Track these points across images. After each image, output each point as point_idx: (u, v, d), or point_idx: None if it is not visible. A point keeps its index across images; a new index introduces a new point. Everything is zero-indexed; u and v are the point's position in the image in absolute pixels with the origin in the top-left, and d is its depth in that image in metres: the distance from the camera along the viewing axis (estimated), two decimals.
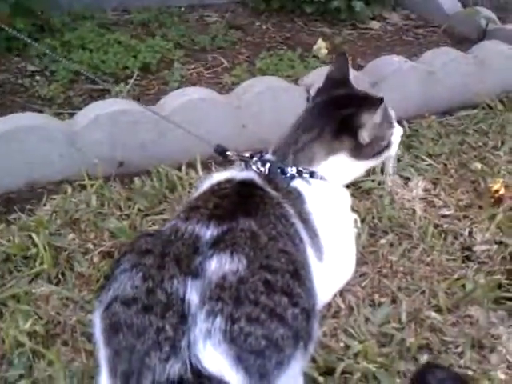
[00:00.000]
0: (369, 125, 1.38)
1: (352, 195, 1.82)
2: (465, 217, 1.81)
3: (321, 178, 1.43)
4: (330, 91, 1.52)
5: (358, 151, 1.42)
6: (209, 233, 1.12)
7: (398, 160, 2.05)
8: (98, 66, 2.58)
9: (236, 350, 0.95)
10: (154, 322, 0.97)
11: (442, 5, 3.26)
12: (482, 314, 1.47)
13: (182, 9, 3.45)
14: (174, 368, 0.92)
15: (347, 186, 1.87)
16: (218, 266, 1.04)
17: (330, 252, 1.39)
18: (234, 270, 1.04)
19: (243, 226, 1.15)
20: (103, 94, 2.45)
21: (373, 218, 1.79)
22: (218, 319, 0.97)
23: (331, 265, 1.40)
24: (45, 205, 1.81)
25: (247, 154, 1.47)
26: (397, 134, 1.53)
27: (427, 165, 2.04)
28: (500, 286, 1.58)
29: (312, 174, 1.42)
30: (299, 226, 1.30)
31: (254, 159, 1.45)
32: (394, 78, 2.32)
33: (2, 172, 1.90)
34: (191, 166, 1.96)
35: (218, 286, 1.01)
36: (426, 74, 2.39)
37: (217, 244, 1.09)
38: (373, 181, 1.94)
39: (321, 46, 2.94)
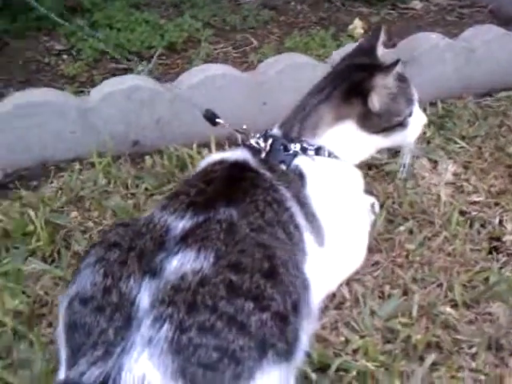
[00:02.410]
0: (380, 88, 1.27)
1: (373, 178, 1.73)
2: (496, 204, 1.65)
3: (328, 155, 1.31)
4: (353, 59, 1.43)
5: (368, 120, 1.31)
6: (181, 225, 1.03)
7: (428, 142, 1.91)
8: (123, 45, 2.53)
9: (180, 362, 0.85)
10: (101, 323, 0.90)
11: None
12: (504, 312, 1.32)
13: None
14: (94, 374, 0.83)
15: (369, 168, 1.78)
16: (180, 264, 0.95)
17: (334, 237, 1.28)
18: (196, 269, 0.94)
19: (221, 217, 1.05)
20: (126, 72, 2.39)
21: (393, 202, 1.65)
22: (165, 327, 0.87)
23: (335, 251, 1.29)
24: (52, 182, 1.76)
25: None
26: (417, 118, 1.41)
27: (459, 147, 1.88)
28: None
29: (318, 151, 1.31)
30: (296, 211, 1.20)
31: (257, 135, 1.35)
32: (430, 56, 2.16)
33: (16, 148, 1.87)
34: (206, 145, 1.87)
35: (173, 288, 0.92)
36: (465, 52, 2.21)
37: (185, 238, 1.00)
38: (396, 163, 1.79)
39: (357, 26, 2.79)
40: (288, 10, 3.08)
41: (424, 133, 1.92)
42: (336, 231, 1.30)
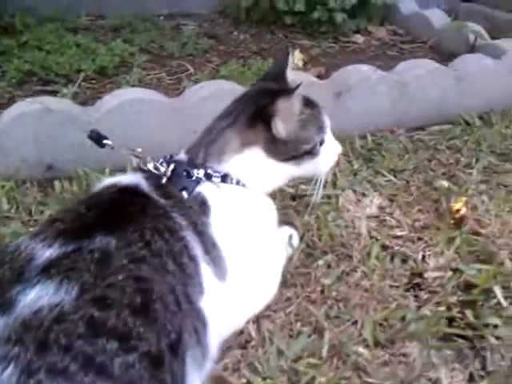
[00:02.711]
0: (283, 113, 1.20)
1: (295, 209, 1.64)
2: (419, 239, 1.58)
3: (236, 183, 1.22)
4: (262, 84, 1.37)
5: (275, 147, 1.23)
6: (47, 254, 0.92)
7: (355, 174, 1.84)
8: (51, 67, 2.42)
9: None
10: None
11: (432, 20, 3.07)
12: (419, 352, 1.23)
13: (162, 17, 3.31)
14: None
15: (292, 198, 1.70)
16: (36, 297, 0.84)
17: (239, 271, 1.18)
18: (54, 303, 0.83)
19: (96, 246, 0.95)
20: (52, 95, 2.28)
21: (313, 235, 1.56)
22: (9, 369, 0.76)
23: (240, 286, 1.19)
24: None
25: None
26: (330, 147, 1.34)
27: (386, 181, 1.82)
28: (451, 320, 1.34)
29: (224, 178, 1.22)
30: (192, 240, 1.10)
31: (160, 159, 1.26)
32: (361, 88, 2.12)
33: None
34: (122, 170, 1.75)
35: (23, 324, 0.80)
36: (398, 86, 2.18)
37: (48, 269, 0.89)
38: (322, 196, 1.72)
39: (296, 57, 2.76)
40: (229, 40, 3.05)
41: (351, 165, 1.87)
42: (241, 264, 1.20)
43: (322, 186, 1.37)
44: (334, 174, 1.80)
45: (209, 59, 2.78)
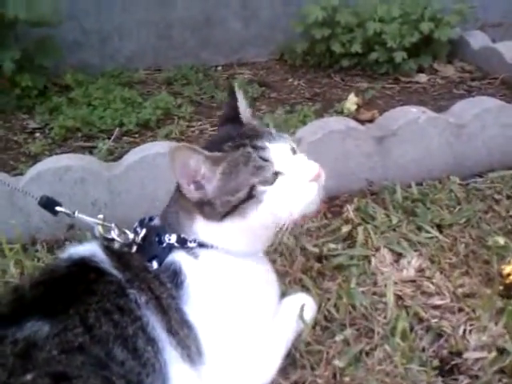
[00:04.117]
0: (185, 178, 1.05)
1: (319, 272, 1.45)
2: (460, 310, 1.33)
3: (211, 248, 1.07)
4: (220, 130, 1.23)
5: (204, 210, 1.06)
6: None
7: (393, 230, 1.62)
8: (94, 123, 2.41)
9: None
10: None
11: (504, 53, 2.79)
12: None
13: (219, 68, 3.27)
14: None
15: (318, 260, 1.52)
16: None
17: (221, 353, 1.02)
18: None
19: (22, 334, 0.84)
20: (91, 151, 2.26)
21: (335, 305, 1.36)
22: None
23: (223, 370, 1.02)
24: None
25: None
26: (296, 175, 1.06)
27: (429, 238, 1.58)
28: None
29: (199, 244, 1.07)
30: (152, 320, 0.95)
31: (135, 224, 1.13)
32: (408, 132, 1.90)
33: None
34: None
35: None
36: (451, 128, 1.95)
37: None
38: (351, 257, 1.52)
39: (350, 101, 2.59)
40: (283, 87, 2.93)
41: (390, 219, 1.65)
42: (223, 345, 1.04)
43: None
44: (366, 230, 1.59)
45: (258, 107, 2.67)
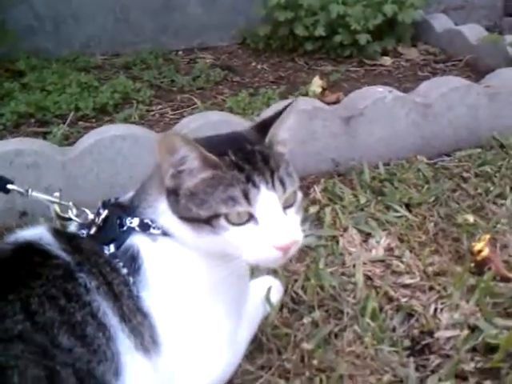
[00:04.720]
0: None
1: None
2: (431, 288, 1.29)
3: (173, 237, 0.99)
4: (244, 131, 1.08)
5: (171, 200, 0.96)
6: None
7: (361, 210, 1.57)
8: (48, 108, 2.29)
9: None
10: None
11: (468, 36, 2.77)
12: None
13: (180, 52, 3.18)
14: None
15: None
16: None
17: (180, 341, 0.95)
18: None
19: None
20: (45, 137, 2.15)
21: (303, 286, 1.30)
22: None
23: (182, 360, 0.95)
24: None
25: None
26: (256, 234, 0.91)
27: (398, 217, 1.54)
28: None
29: (165, 232, 0.98)
30: (104, 306, 0.87)
31: (98, 205, 1.05)
32: (374, 112, 1.86)
33: None
34: None
35: None
36: (418, 107, 1.91)
37: None
38: (318, 237, 1.47)
39: (314, 84, 2.54)
40: (246, 71, 2.86)
41: (357, 199, 1.60)
42: (182, 333, 0.96)
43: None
44: (334, 211, 1.54)
45: (220, 91, 2.59)
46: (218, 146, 0.96)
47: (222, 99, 2.49)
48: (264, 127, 1.01)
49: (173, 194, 0.95)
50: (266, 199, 0.91)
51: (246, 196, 0.90)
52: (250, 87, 2.62)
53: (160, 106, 2.43)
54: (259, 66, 2.92)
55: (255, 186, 0.91)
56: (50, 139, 2.06)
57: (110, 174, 1.69)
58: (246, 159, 0.94)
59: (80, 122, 2.28)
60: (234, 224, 0.91)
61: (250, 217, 0.91)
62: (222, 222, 0.90)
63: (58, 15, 2.93)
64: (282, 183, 0.94)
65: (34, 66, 2.64)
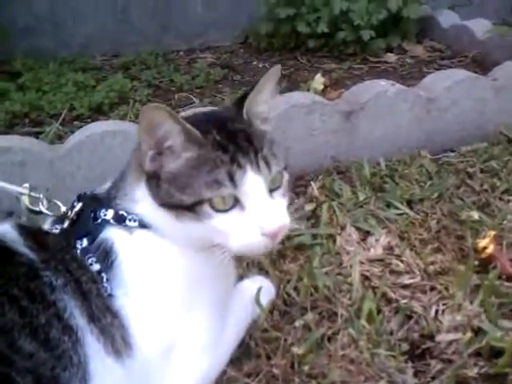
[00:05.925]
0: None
1: (281, 253, 1.32)
2: (432, 288, 1.21)
3: (151, 228, 0.92)
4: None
5: (152, 185, 0.90)
6: None
7: (360, 207, 1.50)
8: (43, 108, 2.25)
9: None
10: None
11: (475, 32, 2.68)
12: None
13: (181, 52, 3.13)
14: None
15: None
16: None
17: (155, 344, 0.88)
18: None
19: None
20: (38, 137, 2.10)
21: (295, 287, 1.23)
22: None
23: (158, 364, 0.88)
24: None
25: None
26: (242, 220, 0.86)
27: (398, 214, 1.46)
28: None
29: (143, 224, 0.92)
30: (71, 306, 0.81)
31: (74, 198, 0.99)
32: (375, 106, 1.78)
33: None
34: None
35: None
36: (422, 101, 1.83)
37: None
38: (314, 236, 1.39)
39: (316, 81, 2.47)
40: (246, 70, 2.80)
41: (356, 196, 1.53)
42: (159, 335, 0.89)
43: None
44: (332, 208, 1.47)
45: (220, 90, 2.53)
46: (201, 124, 0.90)
47: (220, 98, 2.43)
48: (242, 102, 0.94)
49: (153, 179, 0.88)
50: (252, 181, 0.86)
51: (232, 178, 0.85)
52: (249, 86, 2.54)
53: None
54: (260, 65, 2.86)
55: (240, 167, 0.86)
56: (41, 138, 2.01)
57: (100, 171, 1.63)
58: (229, 139, 0.88)
59: (75, 122, 2.22)
60: (218, 211, 0.86)
61: (236, 202, 0.86)
62: (207, 208, 0.85)
63: (56, 15, 2.89)
64: (267, 163, 0.88)
65: (30, 67, 2.60)
